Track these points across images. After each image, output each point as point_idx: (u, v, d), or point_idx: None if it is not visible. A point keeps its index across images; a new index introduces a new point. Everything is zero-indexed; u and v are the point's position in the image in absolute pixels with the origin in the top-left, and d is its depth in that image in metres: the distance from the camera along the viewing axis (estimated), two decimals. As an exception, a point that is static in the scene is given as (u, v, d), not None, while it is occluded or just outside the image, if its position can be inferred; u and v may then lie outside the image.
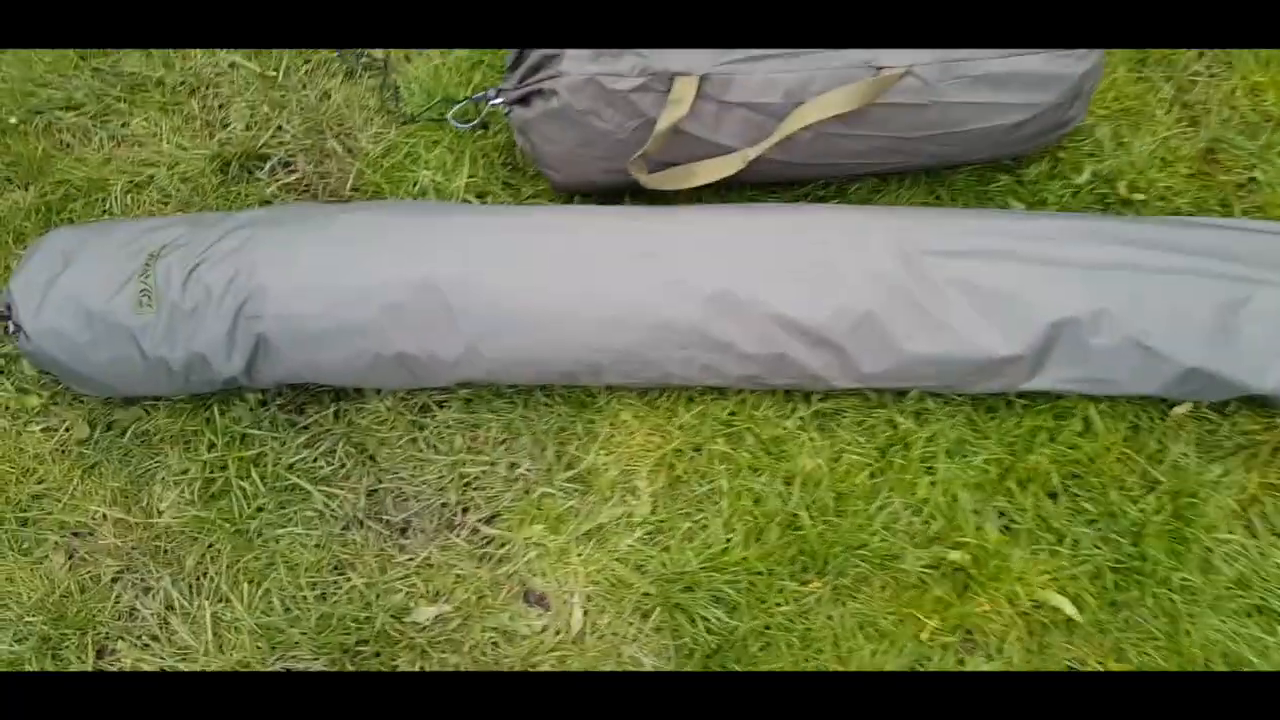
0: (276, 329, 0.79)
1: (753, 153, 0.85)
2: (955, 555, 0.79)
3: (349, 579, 0.81)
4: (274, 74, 1.06)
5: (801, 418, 0.85)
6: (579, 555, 0.82)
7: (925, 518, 0.81)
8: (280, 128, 1.05)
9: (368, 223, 0.82)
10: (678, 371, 0.81)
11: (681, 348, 0.79)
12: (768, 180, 0.96)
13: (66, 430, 0.87)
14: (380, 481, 0.86)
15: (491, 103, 0.91)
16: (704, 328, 0.78)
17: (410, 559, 0.82)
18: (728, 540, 0.81)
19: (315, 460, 0.86)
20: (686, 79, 0.81)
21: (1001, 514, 0.82)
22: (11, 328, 0.79)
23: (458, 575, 0.81)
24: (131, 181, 1.01)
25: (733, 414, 0.85)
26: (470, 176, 1.02)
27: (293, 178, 1.03)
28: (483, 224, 0.83)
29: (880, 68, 0.79)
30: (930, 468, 0.83)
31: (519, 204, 1.01)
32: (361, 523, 0.84)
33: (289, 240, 0.82)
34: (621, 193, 0.96)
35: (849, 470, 0.83)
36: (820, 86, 0.81)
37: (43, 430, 0.87)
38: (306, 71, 1.07)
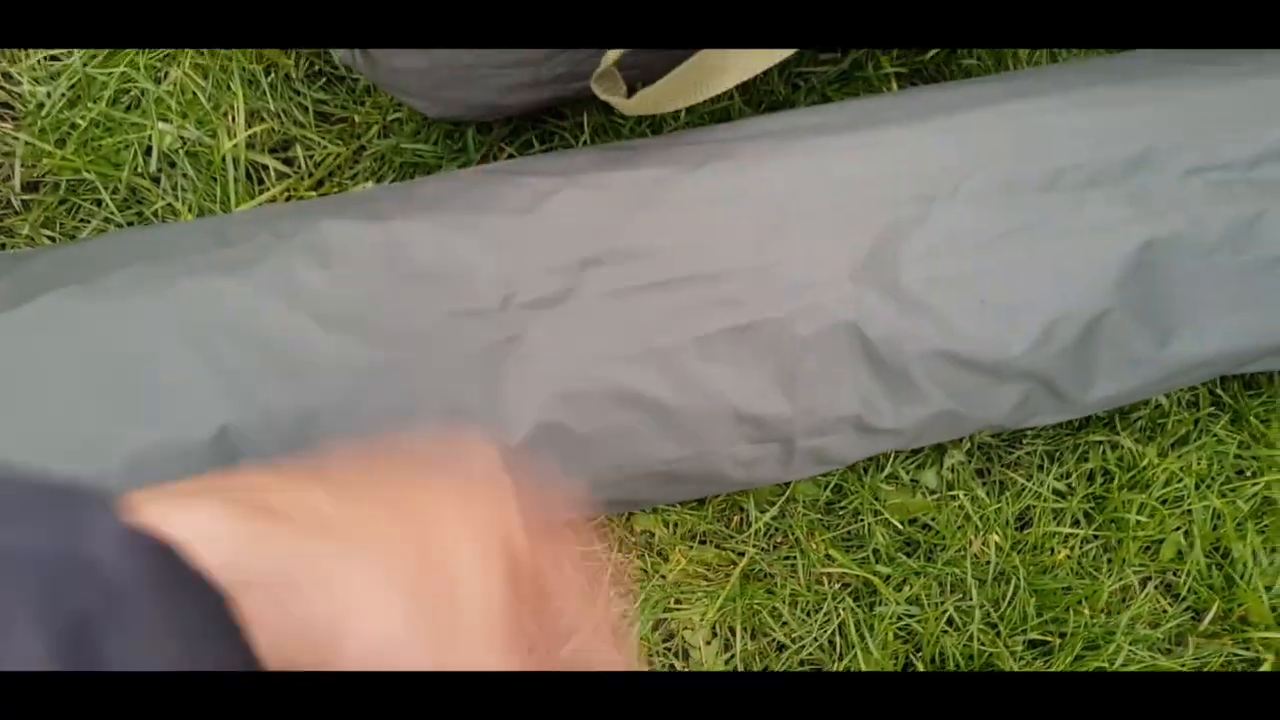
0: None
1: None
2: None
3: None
4: None
5: (953, 469, 0.64)
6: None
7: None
8: None
9: (67, 317, 0.48)
10: (748, 474, 0.55)
11: (764, 440, 0.53)
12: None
13: None
14: None
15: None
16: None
17: None
18: None
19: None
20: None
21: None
22: None
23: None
24: None
25: (838, 490, 0.63)
26: (255, 119, 0.65)
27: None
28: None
29: None
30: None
31: (378, 181, 0.66)
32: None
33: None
34: (544, 111, 0.65)
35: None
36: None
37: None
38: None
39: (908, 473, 0.64)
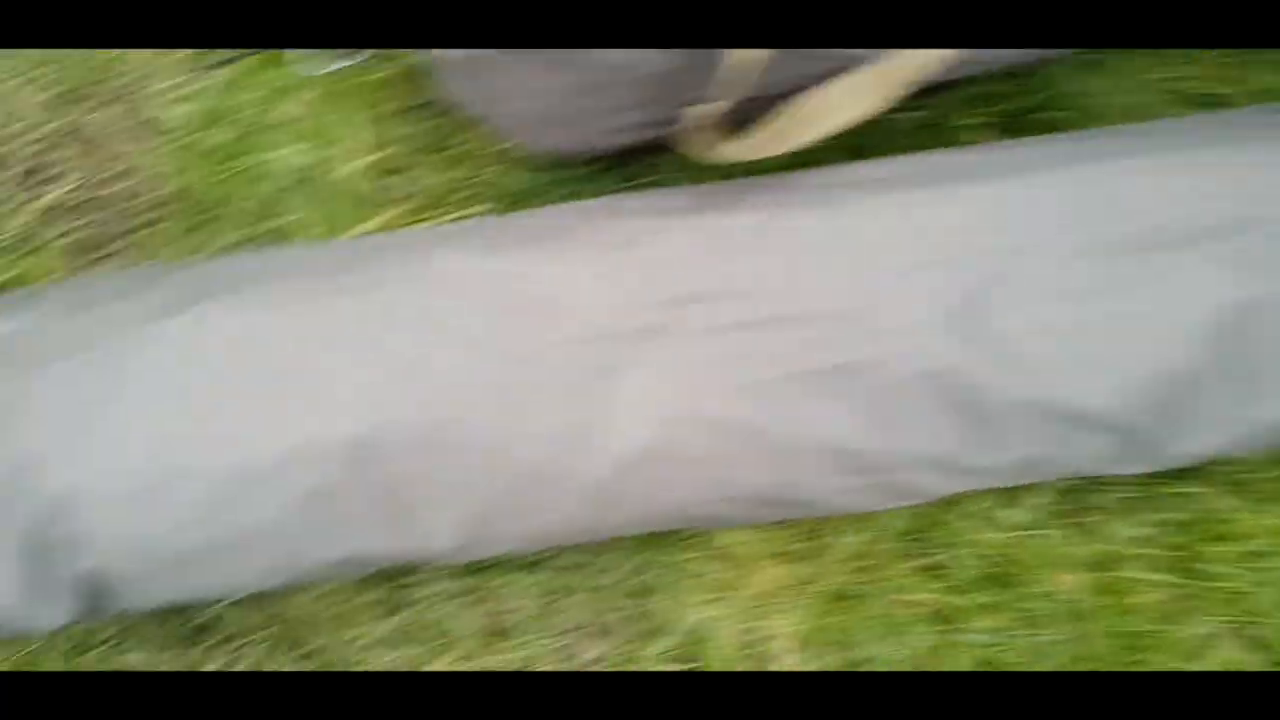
0: (118, 561, 0.50)
1: (907, 64, 0.51)
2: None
3: None
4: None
5: (1036, 508, 0.64)
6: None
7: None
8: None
9: (219, 326, 0.52)
10: (838, 502, 0.58)
11: (855, 472, 0.55)
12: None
13: None
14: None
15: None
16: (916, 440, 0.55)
17: None
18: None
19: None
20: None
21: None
22: None
23: None
24: None
25: (923, 518, 0.64)
26: (373, 146, 0.69)
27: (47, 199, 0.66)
28: (448, 278, 0.54)
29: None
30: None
31: (486, 211, 0.68)
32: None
33: (86, 380, 0.50)
34: (639, 152, 0.65)
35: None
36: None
37: None
38: None
39: (993, 508, 0.65)
